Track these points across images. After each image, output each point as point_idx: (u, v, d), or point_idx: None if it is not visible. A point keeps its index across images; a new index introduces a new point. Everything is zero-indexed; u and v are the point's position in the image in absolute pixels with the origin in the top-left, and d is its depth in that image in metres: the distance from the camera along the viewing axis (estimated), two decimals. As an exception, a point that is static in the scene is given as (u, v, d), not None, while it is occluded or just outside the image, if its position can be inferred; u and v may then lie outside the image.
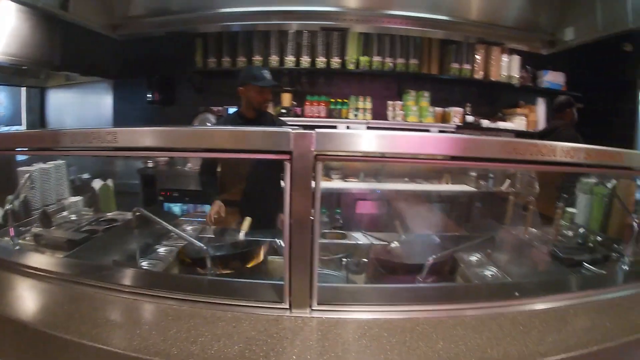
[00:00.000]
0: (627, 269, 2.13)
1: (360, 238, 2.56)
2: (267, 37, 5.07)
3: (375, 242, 2.46)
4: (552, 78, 5.49)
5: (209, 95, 5.38)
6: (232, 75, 4.39)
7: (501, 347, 1.21)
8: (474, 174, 4.99)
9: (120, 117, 5.51)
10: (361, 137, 1.28)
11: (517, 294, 1.55)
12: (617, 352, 1.38)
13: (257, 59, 5.08)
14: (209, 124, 5.09)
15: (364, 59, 5.11)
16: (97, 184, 2.77)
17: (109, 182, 2.83)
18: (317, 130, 1.22)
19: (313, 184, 1.24)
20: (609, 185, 2.73)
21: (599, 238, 2.62)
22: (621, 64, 5.08)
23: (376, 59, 5.14)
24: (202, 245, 1.83)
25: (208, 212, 2.80)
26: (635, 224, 2.32)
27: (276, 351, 1.09)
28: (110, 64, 5.28)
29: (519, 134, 5.27)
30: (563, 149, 1.49)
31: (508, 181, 4.76)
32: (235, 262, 1.96)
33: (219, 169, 3.12)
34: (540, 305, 1.54)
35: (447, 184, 5.06)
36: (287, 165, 1.22)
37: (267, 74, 2.93)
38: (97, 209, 2.75)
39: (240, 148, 1.33)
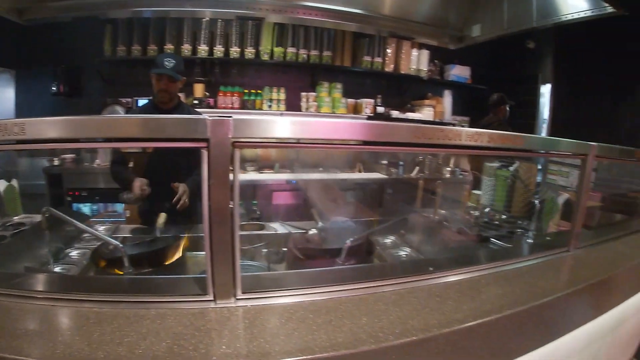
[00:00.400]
0: (531, 241, 2.35)
1: (278, 228, 2.60)
2: (180, 24, 4.92)
3: (294, 230, 2.50)
4: (459, 72, 5.84)
5: (118, 86, 5.10)
6: (143, 65, 4.24)
7: (421, 317, 1.29)
8: (385, 162, 5.18)
9: (23, 111, 5.08)
10: (278, 123, 1.28)
11: (431, 268, 1.65)
12: (529, 315, 1.52)
13: (169, 47, 4.91)
14: (118, 116, 4.82)
15: (278, 50, 5.12)
16: (1, 185, 2.57)
17: (14, 182, 2.63)
18: (235, 117, 1.21)
19: (231, 172, 1.24)
20: (511, 168, 2.94)
21: (504, 216, 2.83)
22: (524, 59, 5.53)
23: (290, 50, 5.17)
24: (118, 244, 1.77)
25: (133, 189, 2.60)
26: (536, 202, 2.55)
27: (205, 343, 1.09)
28: (13, 53, 4.88)
29: (426, 124, 5.49)
30: (468, 134, 1.60)
31: (417, 168, 5.00)
32: (153, 260, 1.88)
33: (131, 164, 2.98)
34: (453, 277, 1.66)
35: (360, 172, 5.22)
36: (205, 154, 1.20)
37: (169, 61, 2.73)
38: (2, 213, 2.56)
39: (156, 137, 1.27)
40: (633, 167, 3.41)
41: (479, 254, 2.14)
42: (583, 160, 2.23)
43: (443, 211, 2.85)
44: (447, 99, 5.94)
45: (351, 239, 1.89)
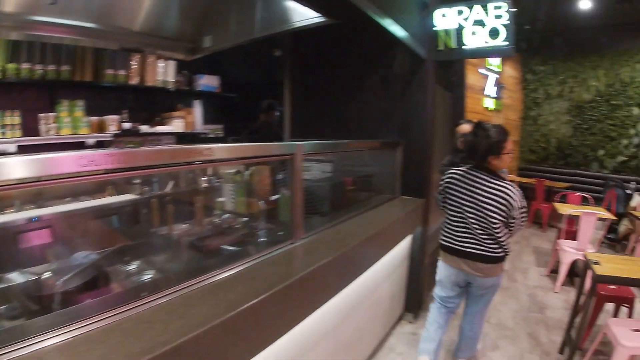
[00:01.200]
0: (263, 239, 2.59)
1: (16, 278, 2.38)
2: None
3: (31, 277, 2.31)
4: (208, 81, 6.10)
5: None
6: None
7: (124, 349, 1.37)
8: (137, 181, 4.92)
9: None
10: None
11: (144, 294, 1.71)
12: (243, 318, 1.66)
13: None
14: None
15: (11, 67, 4.57)
16: None
17: None
18: None
19: None
20: (247, 172, 3.19)
21: (243, 219, 3.05)
22: (272, 66, 5.99)
23: (25, 65, 4.67)
24: None
25: None
26: (262, 203, 2.82)
27: None
28: None
29: (179, 136, 5.71)
30: (201, 150, 1.74)
31: (172, 182, 5.01)
32: None
33: None
34: (165, 298, 1.74)
35: (111, 196, 4.91)
36: None
37: None
38: None
39: None
40: (382, 154, 3.99)
41: (204, 265, 2.25)
42: (292, 159, 2.54)
43: (185, 225, 2.96)
44: (198, 108, 6.13)
45: (64, 279, 1.85)
